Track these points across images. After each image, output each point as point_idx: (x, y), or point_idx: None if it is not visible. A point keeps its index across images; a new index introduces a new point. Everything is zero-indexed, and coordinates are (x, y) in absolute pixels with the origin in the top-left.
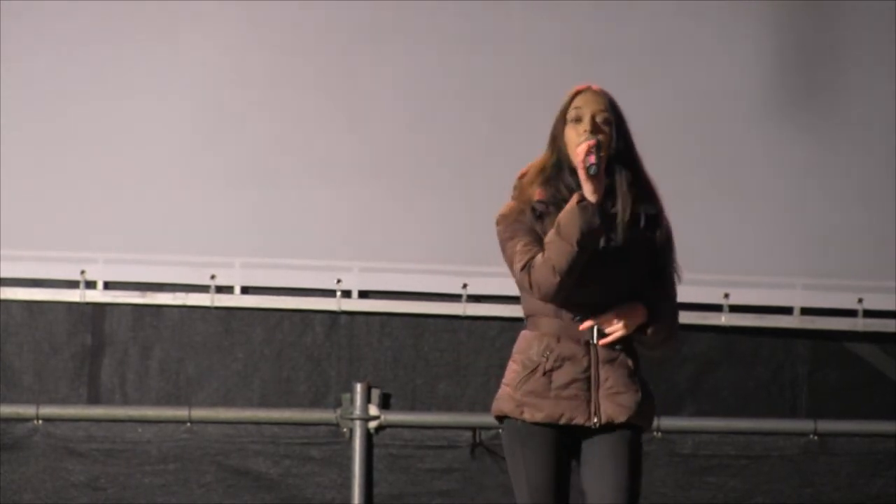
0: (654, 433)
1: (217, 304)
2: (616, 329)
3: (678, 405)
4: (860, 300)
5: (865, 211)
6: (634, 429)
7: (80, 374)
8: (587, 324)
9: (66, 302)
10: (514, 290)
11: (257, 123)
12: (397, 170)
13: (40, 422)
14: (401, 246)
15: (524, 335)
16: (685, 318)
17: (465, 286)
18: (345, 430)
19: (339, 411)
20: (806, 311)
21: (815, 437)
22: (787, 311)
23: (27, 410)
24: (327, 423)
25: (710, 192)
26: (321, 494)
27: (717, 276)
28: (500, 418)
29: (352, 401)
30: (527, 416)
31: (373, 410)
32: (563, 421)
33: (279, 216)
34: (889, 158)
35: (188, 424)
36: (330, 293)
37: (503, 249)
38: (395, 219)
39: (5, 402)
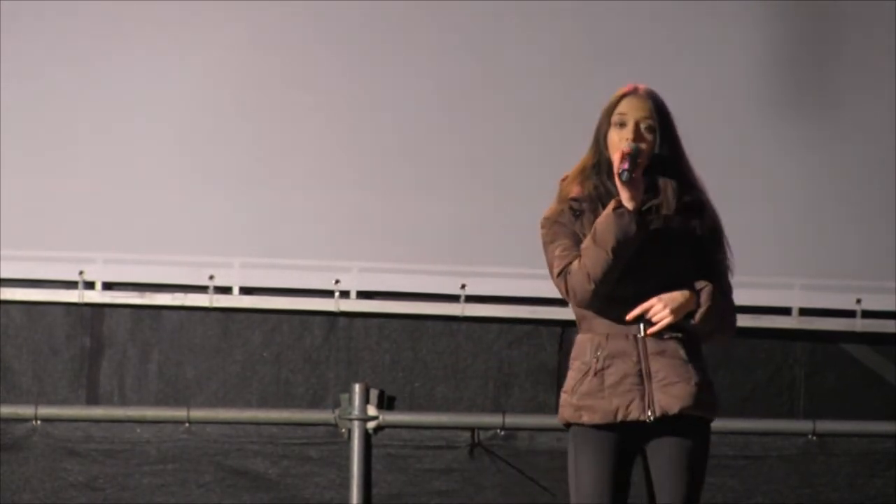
0: None
1: (216, 304)
2: (662, 317)
3: None
4: (859, 301)
5: (864, 211)
6: (696, 422)
7: (78, 376)
8: (634, 313)
9: (64, 305)
10: (512, 291)
11: (256, 124)
12: (396, 170)
13: (39, 422)
14: (399, 246)
15: (578, 339)
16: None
17: (463, 287)
18: (343, 430)
19: (337, 411)
20: (804, 312)
21: (814, 438)
22: (785, 311)
23: (26, 411)
24: (326, 424)
25: (709, 192)
26: (320, 494)
27: None
28: (567, 426)
29: (350, 401)
30: (585, 419)
31: (371, 411)
32: (619, 417)
33: (278, 217)
34: (888, 158)
35: (187, 425)
36: (328, 294)
37: (544, 253)
38: (393, 219)
39: (4, 402)
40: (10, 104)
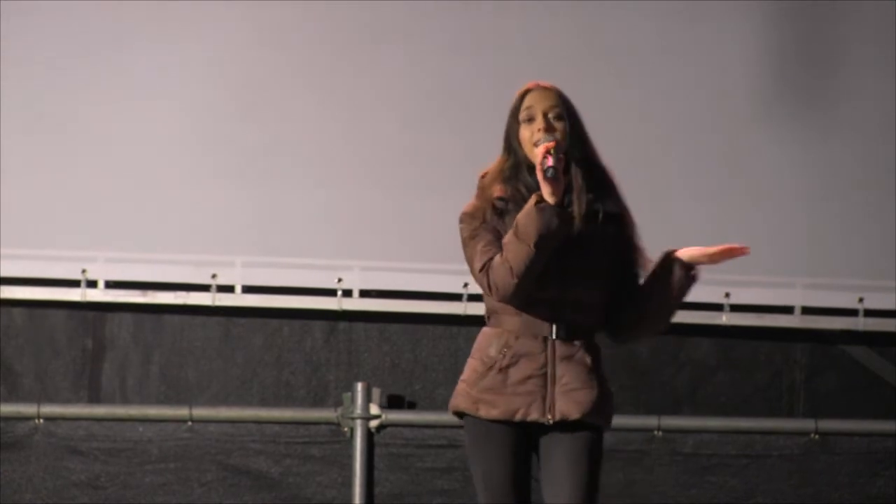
0: (655, 432)
1: (218, 303)
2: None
3: (676, 409)
4: (861, 299)
5: (866, 210)
6: (592, 428)
7: (80, 377)
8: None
9: (67, 305)
10: None
11: (259, 123)
12: (398, 169)
13: (41, 421)
14: (402, 245)
15: (484, 332)
16: (687, 317)
17: (466, 285)
18: (346, 429)
19: (339, 410)
20: (807, 311)
21: (816, 437)
22: (787, 310)
23: (28, 409)
24: (328, 423)
25: (710, 192)
26: (322, 493)
27: (718, 275)
28: (458, 415)
29: (353, 400)
30: (482, 412)
31: (374, 409)
32: (518, 417)
33: (281, 215)
34: (889, 156)
35: (189, 423)
36: (331, 292)
37: (464, 248)
38: (396, 218)
39: (6, 401)
40: (12, 103)
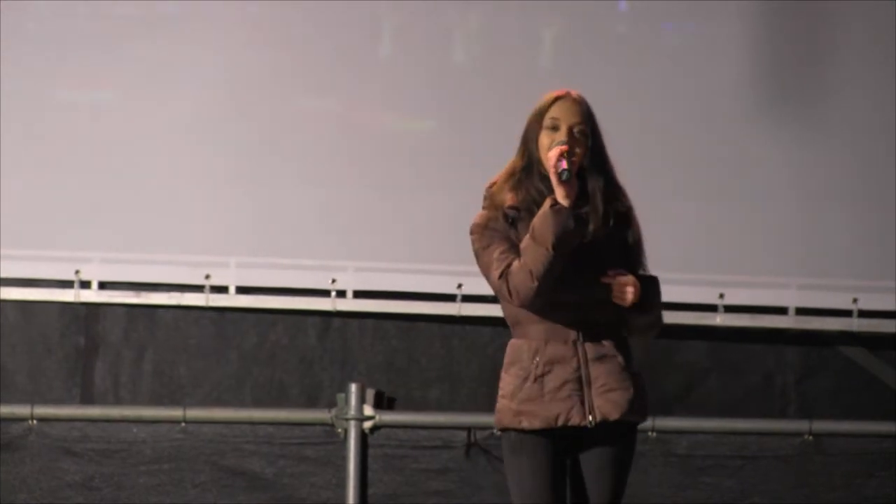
0: (649, 433)
1: (212, 303)
2: (629, 294)
3: (670, 411)
4: (855, 300)
5: (861, 210)
6: (629, 425)
7: (73, 375)
8: (612, 282)
9: (59, 303)
10: None
11: (252, 123)
12: (393, 169)
13: (35, 422)
14: (396, 246)
15: (512, 344)
16: (681, 318)
17: (460, 286)
18: (340, 430)
19: (333, 411)
20: (801, 312)
21: (811, 438)
22: (782, 311)
23: (22, 410)
24: (322, 424)
25: (705, 192)
26: (316, 494)
27: (713, 276)
28: (503, 430)
29: (347, 401)
30: (525, 424)
31: (368, 410)
32: (559, 423)
33: (275, 216)
34: (883, 156)
35: (183, 424)
36: (325, 293)
37: (478, 259)
38: (390, 219)
39: (0, 402)
40: (8, 103)
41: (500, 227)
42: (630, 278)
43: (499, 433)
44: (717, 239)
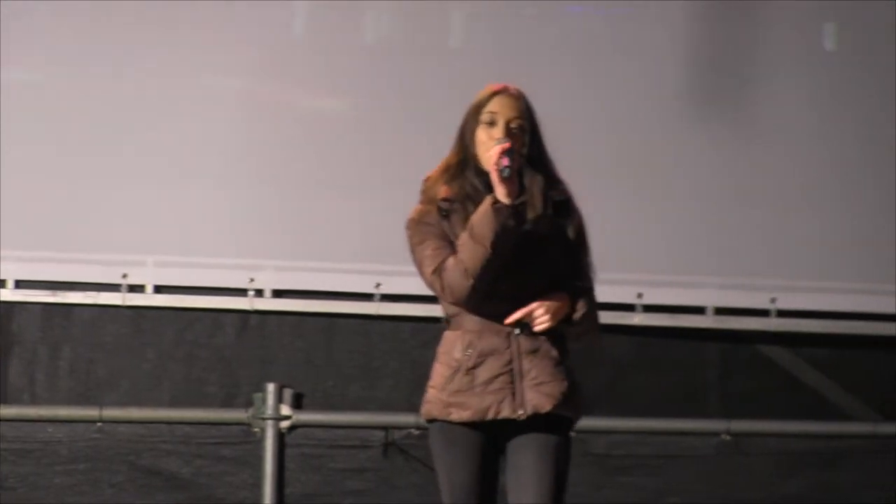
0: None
1: (129, 303)
2: (543, 321)
3: (590, 409)
4: (773, 300)
5: (779, 210)
6: (563, 421)
7: None
8: (515, 316)
9: None
10: (427, 290)
11: (170, 122)
12: (312, 169)
13: None
14: (315, 245)
15: (447, 335)
16: (600, 317)
17: (378, 286)
18: (256, 429)
19: (251, 411)
20: (719, 311)
21: (728, 437)
22: (701, 310)
23: None
24: (239, 423)
25: (624, 191)
26: (233, 494)
27: (631, 275)
28: (430, 420)
29: (264, 400)
30: (455, 416)
31: (285, 410)
32: (490, 415)
33: (192, 214)
34: (800, 156)
35: (99, 424)
36: (243, 292)
37: (413, 253)
38: (309, 218)
39: None
40: None
41: (434, 222)
42: (535, 304)
43: (425, 424)
44: (636, 238)
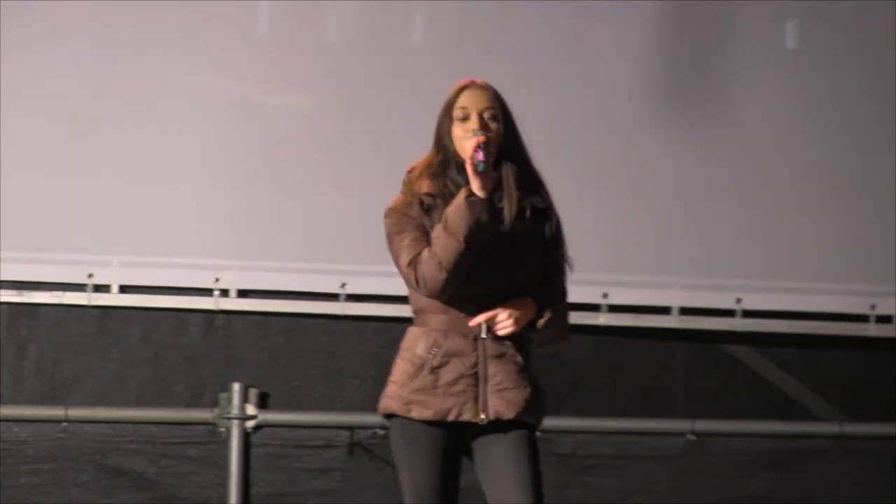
0: None
1: (94, 303)
2: (506, 326)
3: (555, 409)
4: (738, 300)
5: (744, 210)
6: (527, 426)
7: None
8: (478, 320)
9: None
10: (392, 290)
11: (139, 122)
12: (278, 168)
13: None
14: (280, 245)
15: (411, 331)
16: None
17: (343, 286)
18: (222, 429)
19: (216, 411)
20: (685, 311)
21: (693, 437)
22: (665, 311)
23: None
24: (205, 423)
25: (589, 191)
26: (198, 494)
27: (596, 275)
28: (388, 416)
29: (229, 400)
30: (415, 413)
31: (250, 410)
32: (451, 417)
33: (158, 214)
34: (765, 155)
35: (65, 424)
36: (208, 292)
37: (390, 243)
38: (274, 218)
39: None
40: None
41: (414, 214)
42: (499, 309)
43: (386, 420)
44: (601, 238)
